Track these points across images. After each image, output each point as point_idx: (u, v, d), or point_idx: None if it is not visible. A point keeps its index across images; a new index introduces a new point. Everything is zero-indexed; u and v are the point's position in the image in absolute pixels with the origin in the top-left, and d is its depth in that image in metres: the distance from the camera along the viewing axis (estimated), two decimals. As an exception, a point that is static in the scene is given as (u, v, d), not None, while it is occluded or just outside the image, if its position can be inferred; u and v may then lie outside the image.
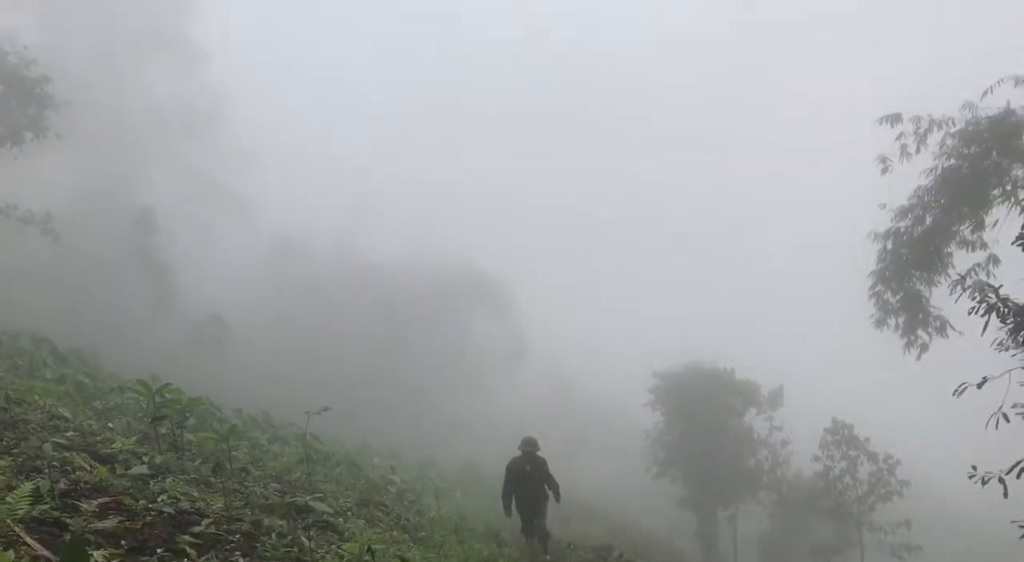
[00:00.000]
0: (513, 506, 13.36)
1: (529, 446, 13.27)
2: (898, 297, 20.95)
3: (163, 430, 9.45)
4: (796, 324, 79.57)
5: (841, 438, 31.63)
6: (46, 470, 6.34)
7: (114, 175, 40.34)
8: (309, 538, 6.91)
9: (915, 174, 19.72)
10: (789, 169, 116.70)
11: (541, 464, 13.22)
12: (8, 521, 4.55)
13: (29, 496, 4.95)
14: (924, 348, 20.82)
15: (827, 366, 64.90)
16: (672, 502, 35.62)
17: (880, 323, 21.42)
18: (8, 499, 4.85)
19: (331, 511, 8.66)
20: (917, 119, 19.19)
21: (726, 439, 34.07)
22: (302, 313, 44.74)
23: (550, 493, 13.25)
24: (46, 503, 5.41)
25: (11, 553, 4.07)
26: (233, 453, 10.04)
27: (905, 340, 21.05)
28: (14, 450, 6.98)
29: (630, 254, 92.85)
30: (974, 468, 8.79)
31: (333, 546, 7.29)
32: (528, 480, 13.13)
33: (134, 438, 9.19)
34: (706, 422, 33.81)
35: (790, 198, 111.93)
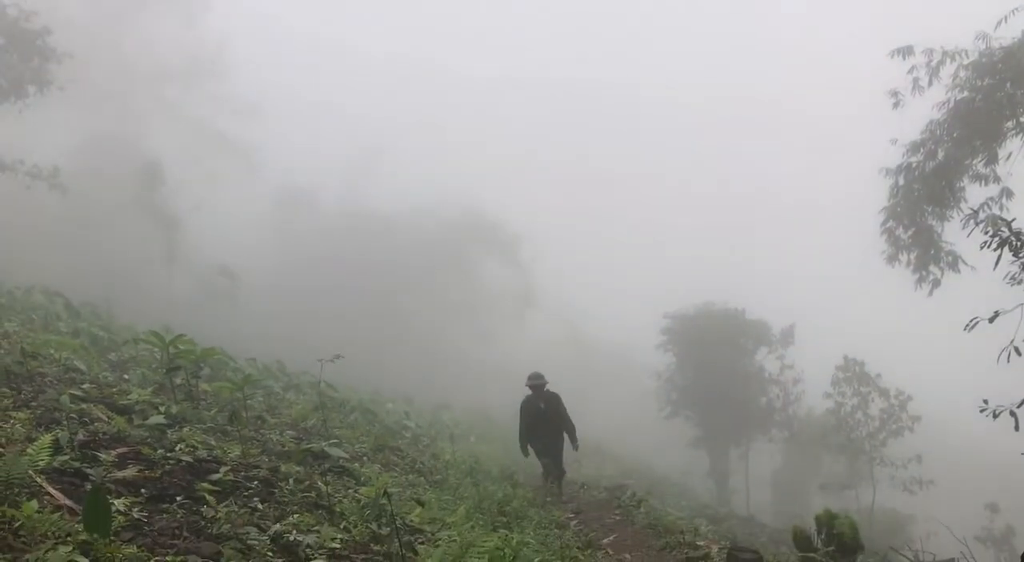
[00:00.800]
0: (529, 447, 12.93)
1: (536, 380, 12.68)
2: (910, 233, 20.80)
3: (178, 381, 9.53)
4: (807, 262, 79.46)
5: (852, 375, 31.73)
6: (64, 422, 6.42)
7: (120, 128, 40.15)
8: (326, 483, 7.01)
9: (927, 108, 19.46)
10: (800, 105, 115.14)
11: (555, 400, 12.67)
12: (30, 472, 4.61)
13: (49, 447, 5.01)
14: (936, 284, 20.72)
15: (838, 303, 64.93)
16: (685, 442, 35.98)
17: (892, 259, 21.31)
18: (29, 451, 4.91)
19: (347, 456, 8.76)
20: (929, 51, 18.81)
21: (738, 379, 34.24)
22: (312, 263, 44.84)
23: (565, 434, 12.72)
24: (66, 454, 5.49)
25: (34, 503, 4.14)
26: (248, 402, 10.14)
27: (917, 276, 20.96)
28: (32, 403, 7.06)
29: (639, 199, 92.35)
30: (985, 402, 8.83)
31: (350, 490, 7.40)
32: (543, 418, 12.59)
33: (150, 389, 9.28)
34: (718, 362, 33.94)
35: (801, 133, 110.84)
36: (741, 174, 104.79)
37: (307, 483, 6.88)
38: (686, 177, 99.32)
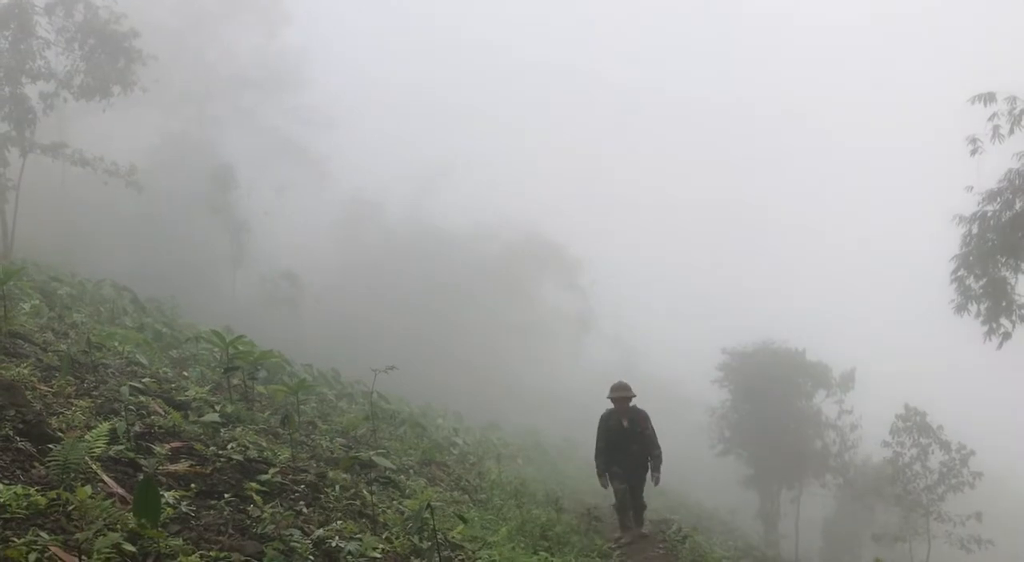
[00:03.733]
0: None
1: (621, 392, 10.60)
2: (981, 283, 20.23)
3: (235, 381, 9.69)
4: (872, 307, 77.73)
5: (913, 425, 30.83)
6: (123, 413, 6.55)
7: (197, 131, 41.28)
8: (371, 492, 7.03)
9: (1007, 156, 18.97)
10: (874, 146, 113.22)
11: (642, 418, 10.65)
12: (86, 458, 4.71)
13: (106, 436, 5.12)
14: (1007, 336, 20.09)
15: (902, 351, 63.36)
16: (735, 481, 35.33)
17: (961, 309, 20.73)
18: (87, 438, 5.02)
19: (394, 467, 8.79)
20: (1012, 99, 18.37)
21: (793, 420, 33.56)
22: (374, 274, 45.30)
23: (649, 462, 10.61)
24: (122, 444, 5.60)
25: (88, 488, 4.22)
26: (301, 406, 10.25)
27: (987, 327, 20.34)
28: (94, 392, 7.22)
29: (702, 231, 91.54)
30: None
31: (394, 502, 7.42)
32: (626, 439, 10.51)
33: (207, 387, 9.45)
34: (774, 402, 33.32)
35: (873, 177, 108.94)
36: (812, 211, 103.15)
37: (353, 491, 6.91)
38: (753, 210, 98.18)
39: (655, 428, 10.84)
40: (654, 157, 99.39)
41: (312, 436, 9.36)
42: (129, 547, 3.73)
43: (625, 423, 10.54)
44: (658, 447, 10.60)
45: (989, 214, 19.43)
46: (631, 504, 10.76)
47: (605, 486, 10.68)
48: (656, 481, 10.54)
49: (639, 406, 10.89)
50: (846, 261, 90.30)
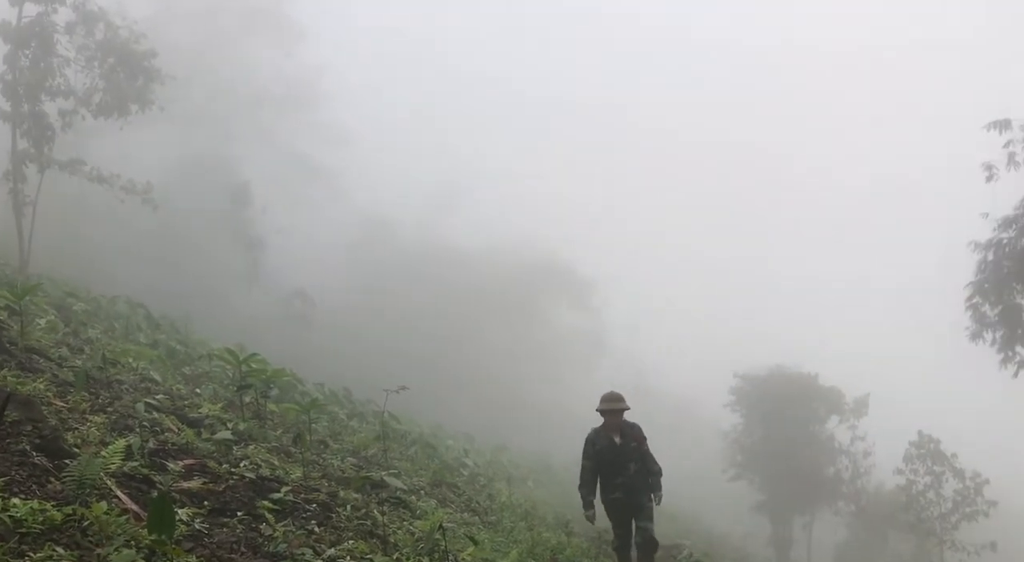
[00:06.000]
0: (598, 498, 8.95)
1: (613, 403, 8.87)
2: (996, 311, 20.14)
3: (248, 399, 9.71)
4: (886, 333, 77.30)
5: (927, 452, 30.63)
6: (137, 429, 6.58)
7: (213, 149, 41.53)
8: (382, 513, 7.02)
9: (1022, 184, 18.95)
10: (891, 171, 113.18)
11: (636, 433, 8.91)
12: (102, 475, 4.73)
13: (122, 453, 5.14)
14: (1022, 365, 19.99)
15: (916, 378, 62.92)
16: (747, 506, 35.08)
17: (976, 336, 20.63)
18: (103, 454, 5.04)
19: (405, 488, 8.77)
20: (1028, 126, 18.40)
21: (806, 445, 33.37)
22: (386, 293, 45.34)
23: (649, 481, 8.88)
24: (136, 460, 5.62)
25: (104, 504, 4.24)
26: (313, 425, 10.25)
27: (1002, 355, 20.24)
28: (108, 408, 7.26)
29: (717, 254, 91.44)
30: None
31: (405, 522, 7.40)
32: (620, 459, 8.75)
33: (220, 404, 9.48)
34: (787, 427, 33.16)
35: (890, 202, 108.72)
36: (827, 237, 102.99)
37: (364, 511, 6.90)
38: (768, 235, 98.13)
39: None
40: (668, 178, 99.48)
41: (323, 455, 9.36)
42: (144, 564, 3.74)
43: (617, 439, 8.81)
44: (658, 464, 8.98)
45: (1005, 241, 19.40)
46: (637, 541, 8.77)
47: (592, 520, 8.89)
48: (658, 500, 8.93)
49: (631, 420, 9.14)
50: (862, 286, 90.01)
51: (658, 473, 8.97)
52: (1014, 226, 19.27)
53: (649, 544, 8.72)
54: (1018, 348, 19.99)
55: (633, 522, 8.80)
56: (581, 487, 8.93)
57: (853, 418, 34.00)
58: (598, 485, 8.89)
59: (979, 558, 28.65)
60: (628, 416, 9.03)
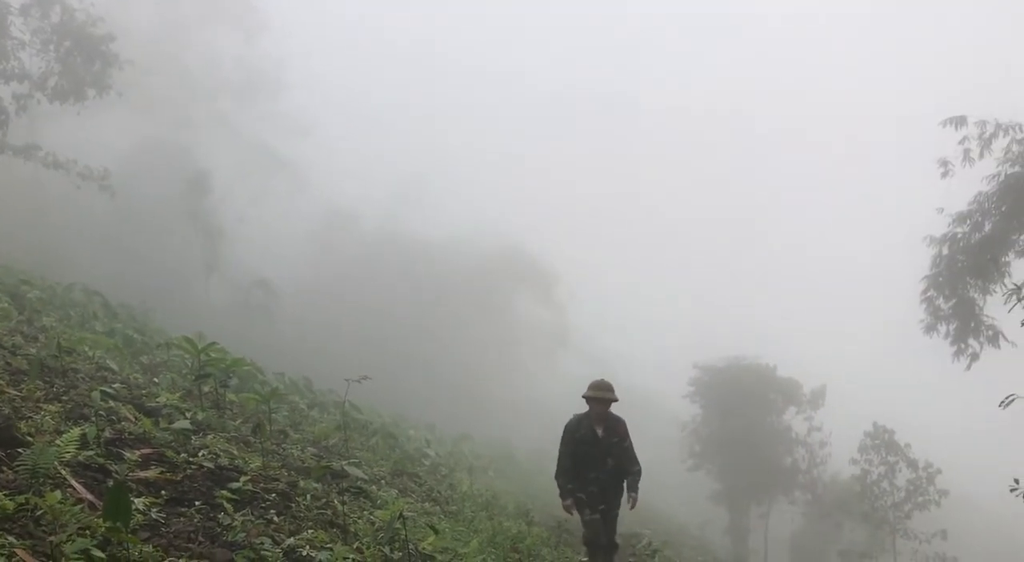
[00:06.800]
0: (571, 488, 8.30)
1: (601, 392, 8.26)
2: (950, 304, 20.53)
3: (206, 388, 9.63)
4: (842, 325, 78.56)
5: (881, 443, 31.14)
6: (93, 418, 6.50)
7: (172, 136, 40.98)
8: (343, 503, 7.01)
9: (977, 179, 19.32)
10: (845, 168, 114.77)
11: (620, 428, 8.38)
12: (56, 464, 4.67)
13: (76, 441, 5.08)
14: (974, 357, 20.39)
15: (871, 369, 64.02)
16: (705, 496, 35.49)
17: (930, 329, 21.02)
18: (57, 443, 4.98)
19: (365, 478, 8.76)
20: (983, 123, 18.74)
21: (764, 436, 33.80)
22: (348, 284, 45.14)
23: (625, 482, 8.36)
24: (92, 449, 5.55)
25: (58, 494, 4.19)
26: (273, 415, 10.19)
27: (955, 348, 20.64)
28: (63, 397, 7.16)
29: (676, 246, 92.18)
30: (1016, 482, 8.62)
31: (365, 512, 7.39)
32: (599, 452, 8.22)
33: (178, 394, 9.38)
34: (745, 417, 33.56)
35: (844, 197, 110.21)
36: (784, 229, 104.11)
37: (324, 500, 6.89)
38: (727, 227, 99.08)
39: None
40: (629, 172, 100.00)
41: (283, 445, 9.31)
42: (98, 553, 3.71)
43: (600, 432, 8.21)
44: (638, 463, 8.38)
45: (959, 235, 19.77)
46: (600, 537, 8.29)
47: (571, 511, 8.29)
48: (633, 503, 8.28)
49: (616, 414, 8.53)
50: (818, 279, 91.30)
51: (637, 473, 8.35)
52: (968, 221, 19.63)
53: (611, 547, 8.37)
54: (971, 341, 20.39)
55: (604, 518, 8.28)
56: (559, 476, 8.32)
57: (810, 409, 34.48)
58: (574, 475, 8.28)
59: (930, 546, 29.27)
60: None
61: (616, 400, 8.33)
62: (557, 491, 8.39)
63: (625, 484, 8.32)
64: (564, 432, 8.36)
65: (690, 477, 36.04)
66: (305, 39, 61.36)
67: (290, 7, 57.70)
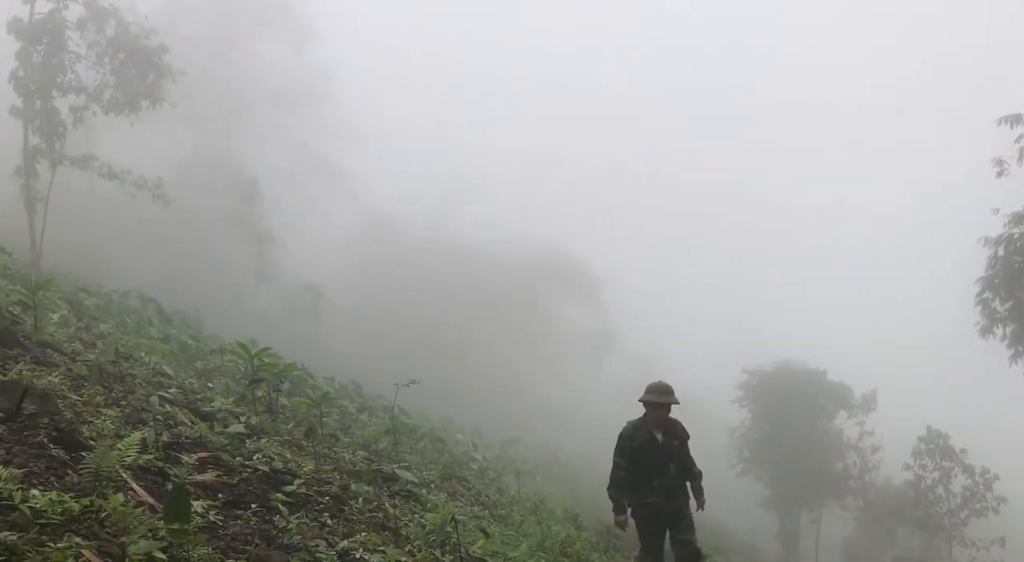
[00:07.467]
0: (628, 500, 7.69)
1: (660, 396, 7.71)
2: (1007, 306, 20.11)
3: (259, 392, 9.79)
4: (895, 328, 77.09)
5: (935, 448, 30.59)
6: (151, 422, 6.65)
7: (223, 145, 41.71)
8: (394, 506, 7.09)
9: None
10: (898, 167, 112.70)
11: (679, 430, 7.84)
12: (117, 467, 4.79)
13: (137, 445, 5.21)
14: (1033, 360, 19.98)
15: (925, 373, 62.77)
16: (754, 501, 35.10)
17: (986, 332, 20.61)
18: (118, 447, 5.11)
19: (416, 481, 8.84)
20: (1040, 121, 18.36)
21: (814, 441, 33.35)
22: (395, 288, 45.46)
23: (690, 487, 7.84)
24: (151, 453, 5.69)
25: (120, 496, 4.31)
26: (324, 419, 10.33)
27: (1012, 351, 20.22)
28: (122, 402, 7.33)
29: (724, 247, 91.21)
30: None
31: (416, 515, 7.46)
32: (660, 458, 7.63)
33: (232, 398, 9.56)
34: (794, 423, 33.15)
35: (899, 196, 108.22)
36: (836, 230, 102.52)
37: (375, 504, 6.97)
38: (776, 229, 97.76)
39: None
40: (673, 173, 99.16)
41: (335, 448, 9.44)
42: (160, 555, 3.81)
43: (660, 436, 7.67)
44: (698, 467, 7.96)
45: (1016, 236, 19.35)
46: (678, 555, 7.58)
47: (624, 526, 7.69)
48: (701, 505, 7.91)
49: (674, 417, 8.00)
50: (870, 280, 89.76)
51: (699, 476, 7.91)
52: (1024, 221, 19.25)
53: (694, 560, 7.55)
54: (1029, 343, 19.98)
55: (668, 533, 7.66)
56: (612, 487, 7.74)
57: (861, 413, 33.98)
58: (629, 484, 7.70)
59: (988, 553, 28.64)
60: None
61: (677, 403, 7.81)
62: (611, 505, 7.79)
63: (690, 488, 7.84)
64: (619, 440, 7.79)
65: (738, 482, 35.67)
66: (351, 46, 61.96)
67: (335, 15, 58.23)
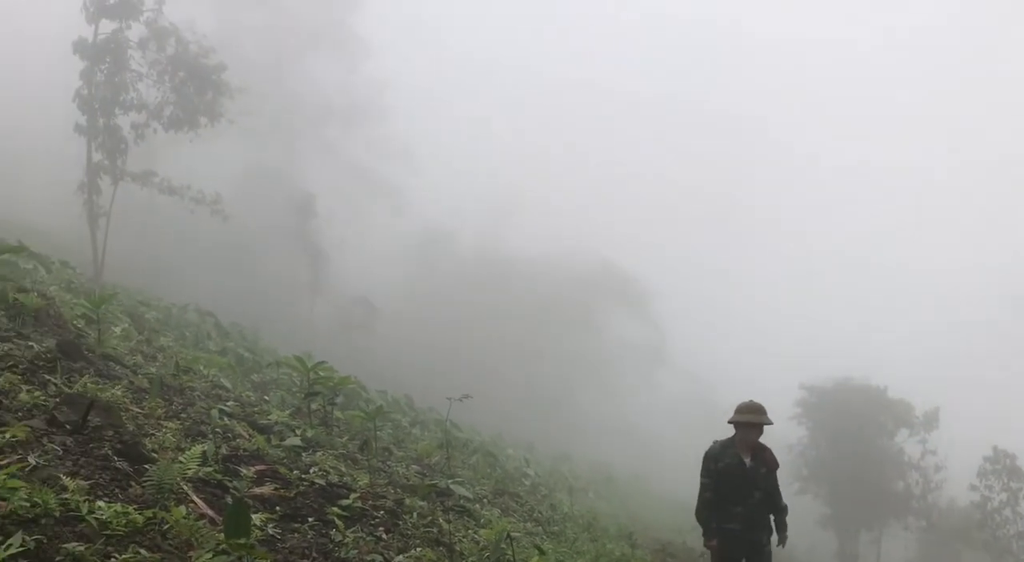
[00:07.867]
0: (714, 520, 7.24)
1: (754, 415, 7.22)
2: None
3: (315, 406, 9.86)
4: (959, 345, 75.16)
5: (1002, 468, 29.73)
6: (210, 435, 6.72)
7: (280, 161, 42.40)
8: (448, 521, 7.06)
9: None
10: (964, 182, 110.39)
11: (768, 457, 7.37)
12: (178, 480, 4.85)
13: (198, 458, 5.26)
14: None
15: (990, 391, 61.08)
16: (812, 520, 34.42)
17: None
18: (180, 459, 5.17)
19: (470, 496, 8.81)
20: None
21: (874, 459, 32.67)
22: (446, 303, 45.69)
23: (773, 521, 7.38)
24: (211, 466, 5.74)
25: (182, 509, 4.35)
26: (378, 433, 10.36)
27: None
28: (182, 414, 7.43)
29: (780, 263, 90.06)
30: None
31: (470, 531, 7.42)
32: (746, 484, 7.21)
33: (288, 411, 9.63)
34: (854, 440, 32.51)
35: (958, 211, 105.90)
36: (897, 247, 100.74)
37: (430, 519, 6.95)
38: (835, 245, 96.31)
39: None
40: (722, 191, 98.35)
41: (388, 462, 9.46)
42: (223, 569, 3.83)
43: (748, 460, 7.24)
44: (783, 500, 7.49)
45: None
46: None
47: (716, 552, 7.25)
48: (783, 541, 7.43)
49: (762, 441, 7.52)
50: (931, 297, 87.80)
51: (785, 509, 7.45)
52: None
53: None
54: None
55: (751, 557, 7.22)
56: (700, 509, 7.31)
57: (923, 431, 33.21)
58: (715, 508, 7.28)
59: (1057, 578, 27.72)
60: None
61: (770, 423, 7.33)
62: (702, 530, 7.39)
63: (774, 522, 7.37)
64: (704, 461, 7.40)
65: (796, 500, 35.02)
66: (403, 63, 62.68)
67: (388, 32, 59.02)
